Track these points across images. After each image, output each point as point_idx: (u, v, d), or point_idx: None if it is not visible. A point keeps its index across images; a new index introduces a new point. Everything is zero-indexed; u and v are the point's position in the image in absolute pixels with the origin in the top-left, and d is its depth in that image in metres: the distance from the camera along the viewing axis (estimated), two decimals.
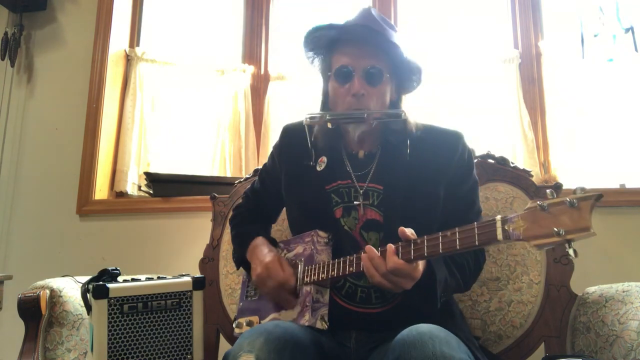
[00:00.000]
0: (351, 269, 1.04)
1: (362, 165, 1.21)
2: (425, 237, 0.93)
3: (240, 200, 1.51)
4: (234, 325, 1.27)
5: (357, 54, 1.13)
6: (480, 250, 1.20)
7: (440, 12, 2.30)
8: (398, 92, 1.21)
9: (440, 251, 0.91)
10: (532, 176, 1.48)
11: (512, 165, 1.49)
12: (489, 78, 2.12)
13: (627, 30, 1.94)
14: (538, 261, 1.39)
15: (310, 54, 1.24)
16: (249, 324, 1.20)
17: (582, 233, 0.74)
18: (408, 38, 2.27)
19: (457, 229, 0.89)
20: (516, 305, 1.37)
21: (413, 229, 0.97)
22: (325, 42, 1.20)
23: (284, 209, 1.38)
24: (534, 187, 1.44)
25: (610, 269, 1.73)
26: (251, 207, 1.42)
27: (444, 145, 1.18)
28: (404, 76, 1.20)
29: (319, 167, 1.22)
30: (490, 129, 2.09)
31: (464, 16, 2.26)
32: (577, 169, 1.96)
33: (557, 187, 1.43)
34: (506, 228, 0.82)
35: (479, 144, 1.31)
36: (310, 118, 1.18)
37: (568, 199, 0.76)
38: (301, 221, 1.24)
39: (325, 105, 1.23)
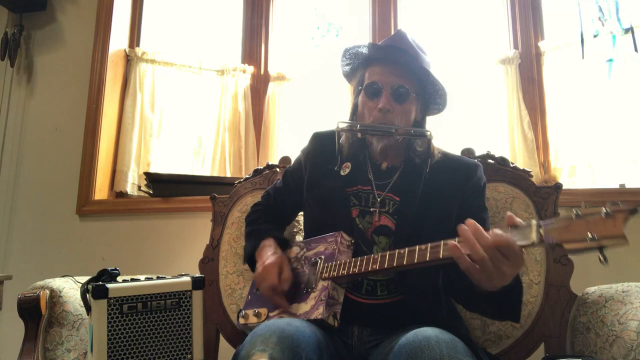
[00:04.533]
0: (375, 266, 1.04)
1: (384, 176, 1.26)
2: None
3: (256, 199, 1.53)
4: (239, 316, 1.25)
5: (387, 72, 1.21)
6: None
7: (440, 12, 2.30)
8: (423, 112, 1.27)
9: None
10: (532, 176, 1.48)
11: (512, 165, 1.49)
12: (489, 78, 2.12)
13: (627, 31, 1.94)
14: (538, 261, 1.39)
15: (347, 68, 1.33)
16: (257, 315, 1.20)
17: (615, 240, 0.77)
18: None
19: (491, 230, 0.89)
20: None
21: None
22: (361, 58, 1.28)
23: (300, 213, 1.44)
24: (533, 187, 1.44)
25: (610, 269, 1.72)
26: (270, 204, 1.45)
27: (462, 171, 1.24)
28: (430, 98, 1.26)
29: (343, 172, 1.28)
30: (491, 129, 2.09)
31: (463, 16, 2.26)
32: (577, 169, 1.96)
33: (557, 187, 1.43)
34: (540, 232, 0.84)
35: (479, 144, 1.33)
36: (343, 125, 1.24)
37: (604, 209, 0.79)
38: (319, 218, 1.28)
39: (354, 116, 1.29)
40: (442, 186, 1.21)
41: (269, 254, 1.23)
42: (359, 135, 1.23)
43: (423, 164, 1.23)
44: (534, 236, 0.84)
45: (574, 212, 0.82)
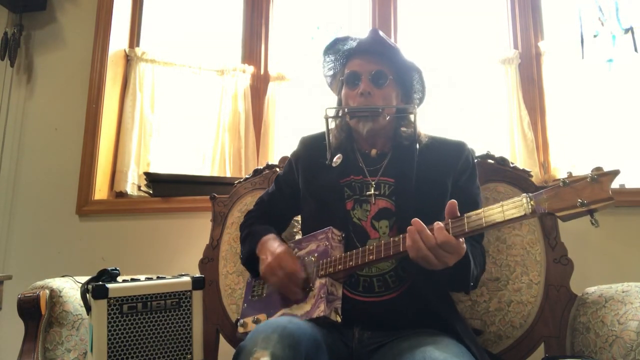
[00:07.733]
0: (371, 257, 1.06)
1: (374, 163, 1.30)
2: (465, 215, 0.97)
3: (251, 207, 1.51)
4: (238, 325, 1.24)
5: (365, 61, 1.28)
6: (484, 255, 1.25)
7: (440, 13, 2.30)
8: (405, 102, 1.31)
9: (466, 230, 0.95)
10: (531, 176, 1.48)
11: (511, 165, 1.49)
12: (489, 78, 2.12)
13: (626, 31, 1.94)
14: (538, 261, 1.39)
15: (331, 72, 1.38)
16: (256, 321, 1.18)
17: (603, 202, 0.82)
18: (408, 39, 2.27)
19: (483, 208, 0.96)
20: (516, 305, 1.37)
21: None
22: (341, 56, 1.35)
23: (297, 213, 1.45)
24: (533, 188, 1.44)
25: (610, 269, 1.73)
26: (265, 210, 1.44)
27: (450, 150, 1.28)
28: (410, 87, 1.32)
29: (335, 164, 1.31)
30: (490, 129, 2.09)
31: (463, 17, 2.26)
32: (577, 169, 1.96)
33: None
34: (532, 203, 0.89)
35: (479, 144, 1.34)
36: (331, 111, 1.30)
37: (590, 175, 0.85)
38: (316, 214, 1.28)
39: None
40: (433, 167, 1.24)
41: (275, 245, 1.23)
42: (348, 118, 1.27)
43: (412, 145, 1.27)
44: (526, 208, 0.89)
45: (561, 181, 0.86)
